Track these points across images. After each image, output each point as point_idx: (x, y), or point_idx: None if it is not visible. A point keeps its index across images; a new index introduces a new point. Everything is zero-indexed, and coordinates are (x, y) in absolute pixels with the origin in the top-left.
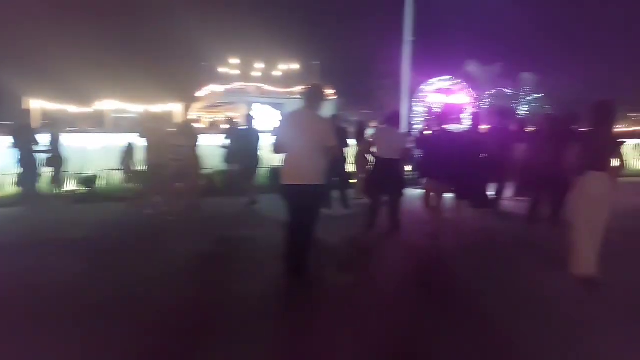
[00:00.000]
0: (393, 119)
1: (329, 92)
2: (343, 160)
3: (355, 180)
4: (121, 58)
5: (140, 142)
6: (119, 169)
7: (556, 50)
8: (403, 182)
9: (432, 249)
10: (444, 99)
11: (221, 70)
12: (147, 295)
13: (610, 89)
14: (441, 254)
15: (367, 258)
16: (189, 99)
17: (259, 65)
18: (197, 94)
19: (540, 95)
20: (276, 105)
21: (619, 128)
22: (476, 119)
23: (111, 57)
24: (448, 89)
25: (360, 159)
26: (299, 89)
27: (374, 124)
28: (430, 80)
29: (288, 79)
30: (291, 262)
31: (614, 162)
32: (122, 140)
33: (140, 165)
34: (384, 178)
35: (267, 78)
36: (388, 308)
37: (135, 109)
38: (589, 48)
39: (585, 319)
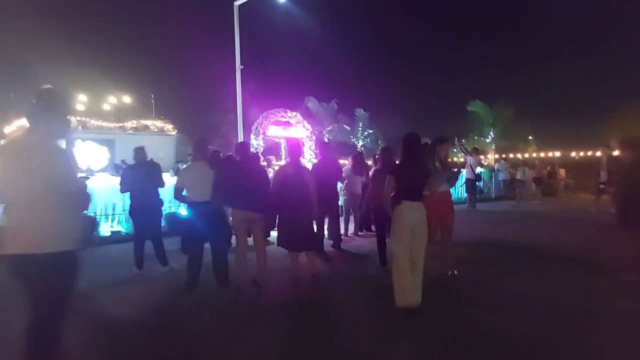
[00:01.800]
0: (199, 151)
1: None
2: (158, 202)
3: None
4: None
5: None
6: None
7: (385, 87)
8: (225, 229)
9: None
10: (282, 131)
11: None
12: None
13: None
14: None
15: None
16: None
17: (82, 98)
18: (6, 129)
19: (372, 130)
20: (105, 142)
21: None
22: (295, 151)
23: None
24: (285, 121)
25: None
26: (131, 123)
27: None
28: (267, 112)
29: (119, 113)
30: None
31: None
32: None
33: None
34: (200, 226)
35: (93, 112)
36: None
37: None
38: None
39: None
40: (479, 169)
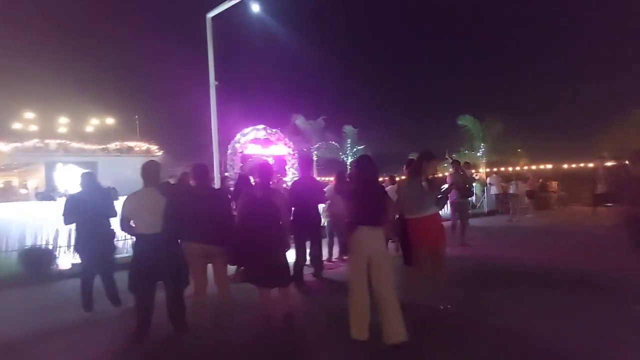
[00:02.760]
0: (148, 176)
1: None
2: (108, 234)
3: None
4: None
5: None
6: None
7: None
8: (181, 266)
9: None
10: (260, 149)
11: (14, 126)
12: None
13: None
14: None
15: None
16: None
17: (64, 120)
18: None
19: (362, 147)
20: (87, 165)
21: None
22: (264, 172)
23: None
24: (265, 138)
25: None
26: (115, 145)
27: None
28: (245, 130)
29: (102, 135)
30: None
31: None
32: None
33: None
34: (150, 263)
35: (75, 134)
36: None
37: None
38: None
39: None
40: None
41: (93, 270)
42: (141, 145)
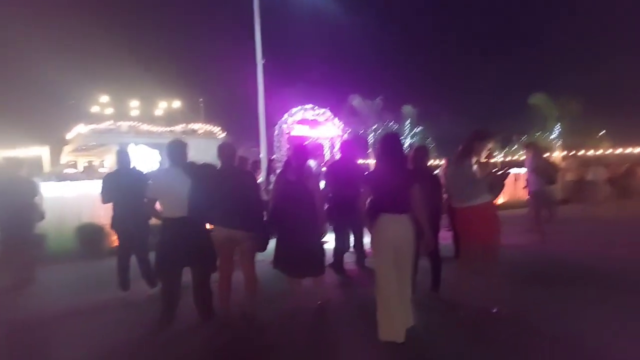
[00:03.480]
0: (175, 155)
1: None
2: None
3: None
4: None
5: None
6: None
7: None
8: (208, 251)
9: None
10: (308, 131)
11: (92, 109)
12: None
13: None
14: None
15: None
16: (58, 142)
17: (135, 103)
18: (67, 136)
19: (421, 128)
20: (155, 146)
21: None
22: (299, 154)
23: None
24: (313, 119)
25: None
26: (180, 127)
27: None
28: (293, 110)
29: (169, 118)
30: None
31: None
32: None
33: None
34: (176, 247)
35: (146, 117)
36: None
37: None
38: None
39: None
40: None
41: (129, 250)
42: (205, 127)
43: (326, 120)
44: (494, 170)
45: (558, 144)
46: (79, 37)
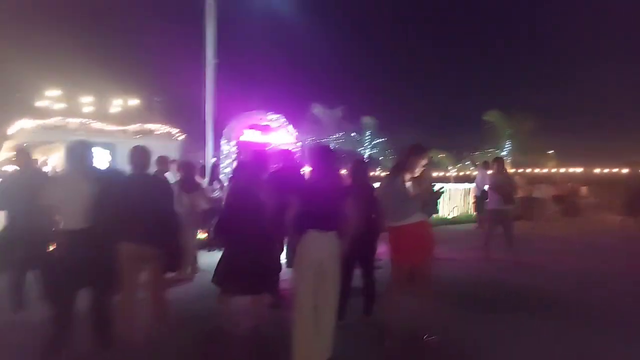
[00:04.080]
0: (76, 157)
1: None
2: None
3: None
4: None
5: None
6: None
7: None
8: (110, 269)
9: None
10: (259, 136)
11: (39, 103)
12: None
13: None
14: None
15: None
16: None
17: (89, 99)
18: (9, 130)
19: (383, 139)
20: (107, 145)
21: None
22: (258, 160)
23: None
24: (265, 125)
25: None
26: (135, 127)
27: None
28: (245, 114)
29: (124, 116)
30: None
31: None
32: None
33: None
34: (74, 264)
35: (99, 114)
36: None
37: None
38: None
39: None
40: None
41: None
42: (162, 129)
43: (280, 126)
44: (428, 187)
45: (508, 160)
46: (30, 29)
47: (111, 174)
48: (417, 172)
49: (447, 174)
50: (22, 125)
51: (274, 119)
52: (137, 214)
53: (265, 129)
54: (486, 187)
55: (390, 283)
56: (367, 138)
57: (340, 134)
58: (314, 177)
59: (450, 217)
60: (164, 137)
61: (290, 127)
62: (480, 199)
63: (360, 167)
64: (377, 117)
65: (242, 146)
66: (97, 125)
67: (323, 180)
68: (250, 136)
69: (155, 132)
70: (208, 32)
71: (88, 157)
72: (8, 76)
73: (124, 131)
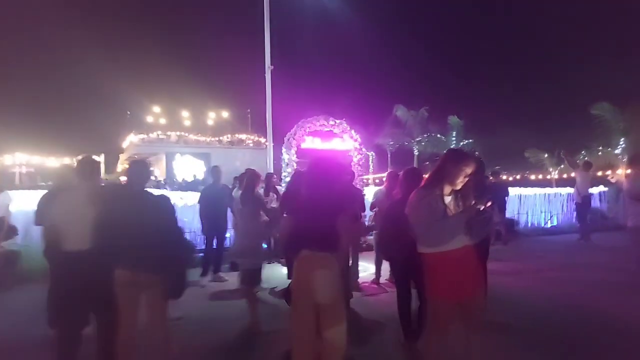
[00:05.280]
0: (84, 171)
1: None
2: None
3: None
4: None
5: None
6: None
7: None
8: (106, 296)
9: None
10: (320, 143)
11: (147, 119)
12: None
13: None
14: None
15: None
16: (114, 150)
17: (186, 114)
18: (123, 144)
19: (469, 140)
20: (201, 155)
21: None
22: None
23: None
24: (327, 131)
25: None
26: (227, 137)
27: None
28: (302, 121)
29: (218, 128)
30: None
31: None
32: None
33: None
34: (76, 288)
35: (196, 127)
36: None
37: (51, 162)
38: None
39: None
40: (592, 189)
41: None
42: (252, 138)
43: (342, 132)
44: (473, 205)
45: (623, 160)
46: (135, 52)
47: (109, 189)
48: (459, 183)
49: (549, 177)
50: (130, 140)
51: (336, 124)
52: (130, 237)
53: (327, 135)
54: (590, 192)
55: (430, 325)
56: (452, 139)
57: (424, 135)
58: (308, 188)
59: (548, 225)
60: (254, 146)
61: (353, 132)
62: (582, 206)
63: (414, 176)
64: (465, 116)
65: (303, 154)
66: (194, 136)
67: (319, 194)
68: (310, 143)
69: (246, 142)
70: (266, 38)
71: (94, 171)
72: (120, 96)
73: (218, 141)
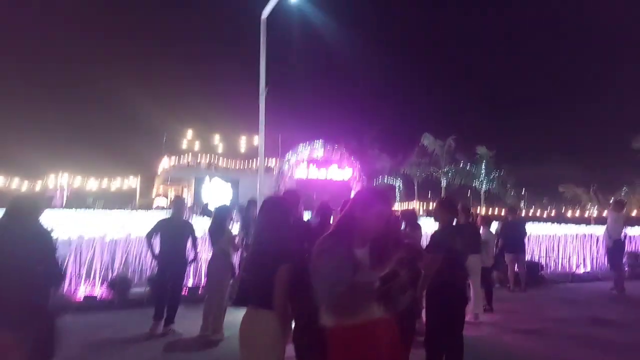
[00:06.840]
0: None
1: None
2: None
3: None
4: (77, 132)
5: None
6: None
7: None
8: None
9: None
10: (315, 172)
11: (180, 144)
12: None
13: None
14: None
15: None
16: (149, 174)
17: (218, 139)
18: (158, 169)
19: (499, 172)
20: (231, 180)
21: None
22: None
23: (65, 130)
24: (323, 159)
25: None
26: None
27: None
28: (299, 147)
29: (248, 153)
30: None
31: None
32: None
33: None
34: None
35: (227, 152)
36: None
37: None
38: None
39: None
40: (629, 230)
41: None
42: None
43: (339, 160)
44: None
45: None
46: (169, 81)
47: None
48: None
49: (586, 214)
50: (163, 165)
51: (333, 151)
52: None
53: (324, 163)
54: (624, 234)
55: None
56: (482, 171)
57: (451, 166)
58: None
59: (580, 271)
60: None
61: (352, 159)
62: (614, 251)
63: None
64: (495, 147)
65: (293, 183)
66: (222, 163)
67: (262, 239)
68: (302, 173)
69: (273, 169)
70: (261, 62)
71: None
72: (155, 122)
73: (248, 168)
